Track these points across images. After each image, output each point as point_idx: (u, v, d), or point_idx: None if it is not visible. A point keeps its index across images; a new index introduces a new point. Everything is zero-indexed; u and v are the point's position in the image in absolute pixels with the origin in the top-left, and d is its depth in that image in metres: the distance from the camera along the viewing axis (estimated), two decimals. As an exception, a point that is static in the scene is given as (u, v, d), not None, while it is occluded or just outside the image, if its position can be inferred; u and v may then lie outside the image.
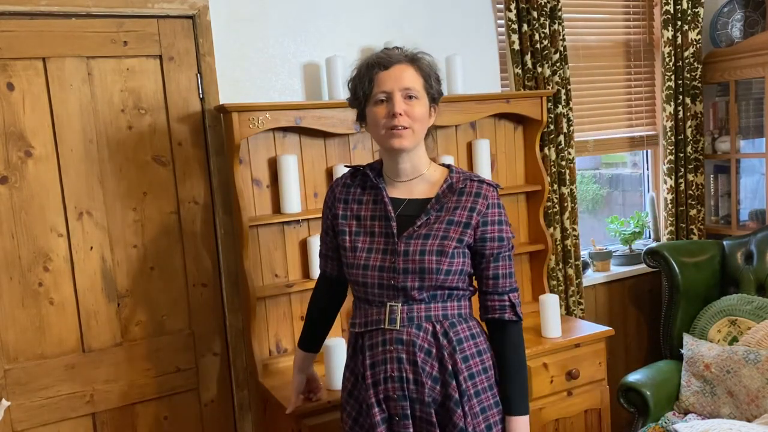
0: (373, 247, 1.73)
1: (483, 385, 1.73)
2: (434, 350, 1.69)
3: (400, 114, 1.65)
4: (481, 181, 1.76)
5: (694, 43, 3.39)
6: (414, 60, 1.70)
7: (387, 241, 1.71)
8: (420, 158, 1.76)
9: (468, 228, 1.71)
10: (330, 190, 1.87)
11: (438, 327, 1.70)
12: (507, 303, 1.75)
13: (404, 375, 1.68)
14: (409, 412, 1.69)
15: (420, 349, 1.68)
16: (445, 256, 1.67)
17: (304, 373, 2.08)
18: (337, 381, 2.27)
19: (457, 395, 1.68)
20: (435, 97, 1.74)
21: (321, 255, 1.97)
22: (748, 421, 2.57)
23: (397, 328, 1.69)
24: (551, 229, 3.11)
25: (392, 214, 1.72)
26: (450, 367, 1.69)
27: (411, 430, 1.69)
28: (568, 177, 3.11)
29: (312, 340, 2.03)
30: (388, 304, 1.70)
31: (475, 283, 1.82)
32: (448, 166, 1.81)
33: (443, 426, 1.70)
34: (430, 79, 1.72)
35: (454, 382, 1.68)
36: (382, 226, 1.73)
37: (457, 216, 1.71)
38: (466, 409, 1.68)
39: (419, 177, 1.76)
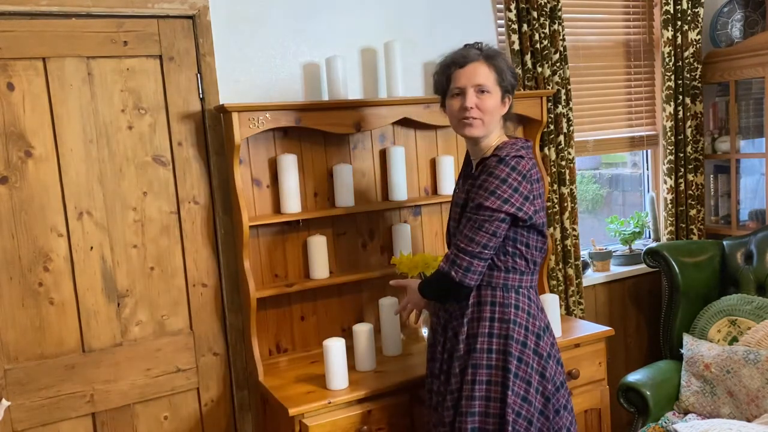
0: (450, 214, 2.10)
1: (482, 345, 1.93)
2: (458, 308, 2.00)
3: (471, 108, 1.91)
4: (494, 156, 1.92)
5: (694, 43, 3.39)
6: (489, 58, 1.94)
7: (454, 210, 2.06)
8: (489, 142, 1.99)
9: (466, 194, 1.96)
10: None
11: None
12: (450, 253, 1.93)
13: (439, 312, 2.08)
14: (438, 338, 2.07)
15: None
16: (455, 222, 1.99)
17: None
18: (337, 381, 2.29)
19: (455, 339, 1.99)
20: (508, 88, 1.98)
21: None
22: (748, 421, 2.57)
23: None
24: (551, 229, 3.11)
25: (459, 188, 2.06)
26: (460, 319, 1.99)
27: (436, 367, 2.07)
28: (567, 177, 3.11)
29: None
30: None
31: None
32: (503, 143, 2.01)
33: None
34: (504, 74, 1.95)
35: (460, 330, 1.98)
36: (456, 197, 2.07)
37: (468, 185, 1.97)
38: (455, 364, 1.97)
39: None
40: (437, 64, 2.02)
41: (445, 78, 1.97)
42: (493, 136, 1.99)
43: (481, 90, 1.92)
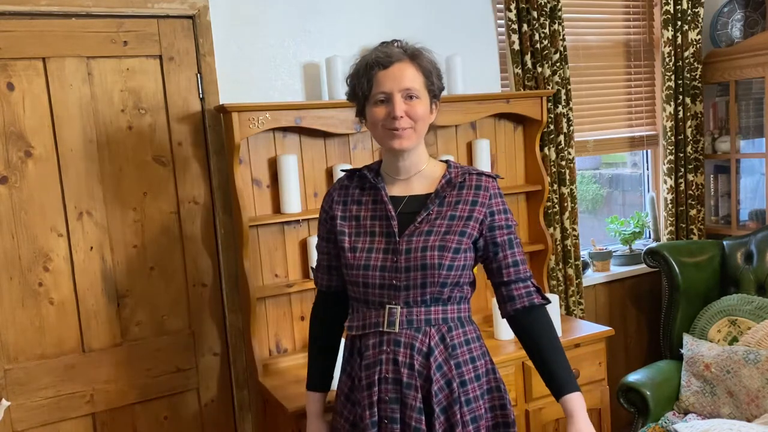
0: (374, 246, 1.68)
1: (475, 393, 1.68)
2: (434, 354, 1.65)
3: (401, 116, 1.63)
4: (480, 174, 1.75)
5: (694, 43, 3.39)
6: (414, 57, 1.67)
7: (388, 241, 1.67)
8: (419, 155, 1.74)
9: (470, 221, 1.68)
10: (327, 194, 1.83)
11: (435, 330, 1.67)
12: (532, 288, 1.73)
13: (399, 378, 1.64)
14: (398, 415, 1.64)
15: (419, 353, 1.64)
16: (447, 251, 1.64)
17: (323, 420, 1.89)
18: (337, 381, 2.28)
19: (446, 403, 1.64)
20: (436, 93, 1.72)
21: (321, 269, 1.86)
22: (748, 421, 2.57)
23: (396, 330, 1.65)
24: (551, 229, 3.11)
25: (393, 213, 1.69)
26: (447, 373, 1.66)
27: None
28: (568, 177, 3.11)
29: (324, 375, 1.89)
30: (387, 306, 1.66)
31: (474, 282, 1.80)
32: (446, 162, 1.79)
33: None
34: (431, 76, 1.69)
35: (447, 389, 1.65)
36: (383, 226, 1.69)
37: (459, 211, 1.69)
38: (458, 417, 1.63)
39: (418, 173, 1.74)
40: (353, 66, 1.71)
41: (366, 81, 1.65)
42: (421, 149, 1.74)
43: (409, 95, 1.63)
